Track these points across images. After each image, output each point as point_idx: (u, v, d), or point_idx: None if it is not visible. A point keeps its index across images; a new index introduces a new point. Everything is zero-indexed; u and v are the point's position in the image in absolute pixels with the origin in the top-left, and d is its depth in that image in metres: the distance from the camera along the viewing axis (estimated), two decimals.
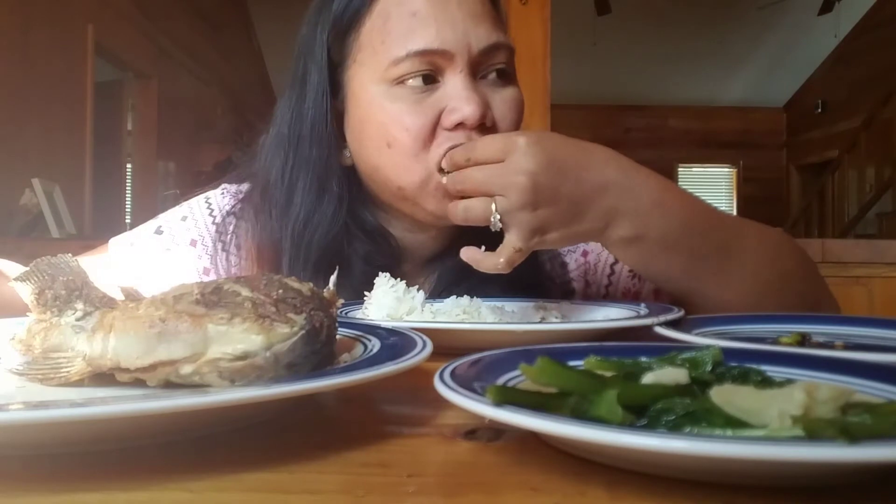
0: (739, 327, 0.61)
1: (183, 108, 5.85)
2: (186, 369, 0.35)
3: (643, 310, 0.65)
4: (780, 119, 9.59)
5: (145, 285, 0.80)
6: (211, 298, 0.37)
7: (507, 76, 0.75)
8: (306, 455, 0.31)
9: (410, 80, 0.71)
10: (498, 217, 0.62)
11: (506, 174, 0.61)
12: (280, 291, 0.39)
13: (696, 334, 0.51)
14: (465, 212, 0.65)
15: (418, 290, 0.66)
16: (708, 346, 0.36)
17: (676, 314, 0.59)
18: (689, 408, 0.29)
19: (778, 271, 0.72)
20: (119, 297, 0.43)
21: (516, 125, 0.75)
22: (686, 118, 9.45)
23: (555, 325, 0.63)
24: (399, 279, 0.66)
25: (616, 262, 0.86)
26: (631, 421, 0.29)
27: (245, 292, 0.38)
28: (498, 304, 0.71)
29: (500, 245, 0.63)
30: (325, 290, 0.42)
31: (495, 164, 0.62)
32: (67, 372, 0.38)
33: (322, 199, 0.77)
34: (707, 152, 9.52)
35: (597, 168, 0.63)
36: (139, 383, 0.36)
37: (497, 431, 0.34)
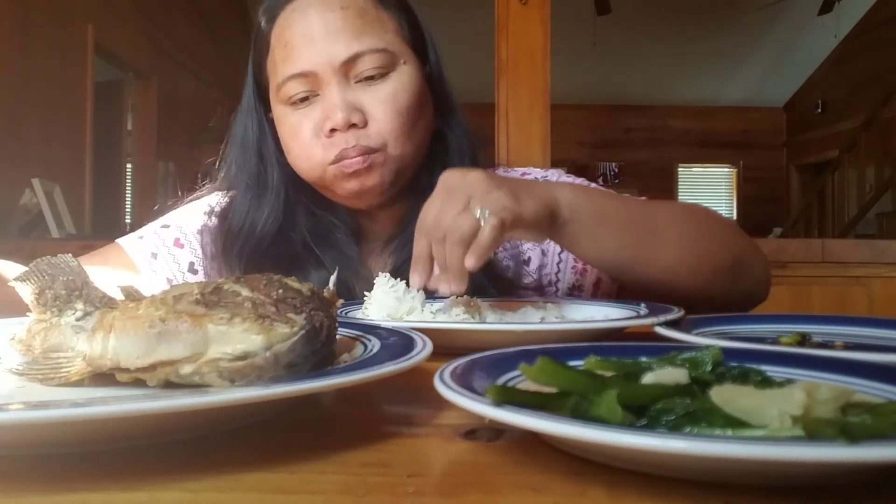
0: (739, 327, 0.61)
1: (183, 108, 5.85)
2: (186, 369, 0.35)
3: (643, 310, 0.65)
4: (780, 119, 9.58)
5: (158, 271, 0.91)
6: (211, 298, 0.37)
7: (380, 76, 0.83)
8: (306, 455, 0.31)
9: (295, 99, 0.83)
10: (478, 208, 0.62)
11: (457, 188, 0.65)
12: (280, 291, 0.39)
13: (696, 334, 0.51)
14: (458, 232, 0.62)
15: (418, 290, 0.66)
16: (708, 346, 0.36)
17: (676, 314, 0.59)
18: (689, 408, 0.29)
19: (705, 237, 0.77)
20: (119, 297, 0.43)
21: (394, 115, 0.82)
22: (686, 118, 9.43)
23: (555, 325, 0.63)
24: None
25: (563, 251, 0.91)
26: (631, 421, 0.29)
27: (245, 292, 0.38)
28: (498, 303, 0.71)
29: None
30: (325, 290, 0.42)
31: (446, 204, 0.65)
32: (67, 372, 0.38)
33: (259, 193, 0.89)
34: (707, 152, 9.51)
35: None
36: (139, 383, 0.36)
37: (497, 431, 0.34)
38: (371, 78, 0.82)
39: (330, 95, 0.81)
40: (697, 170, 9.64)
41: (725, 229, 0.81)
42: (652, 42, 7.81)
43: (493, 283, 0.85)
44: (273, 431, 0.35)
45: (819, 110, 8.68)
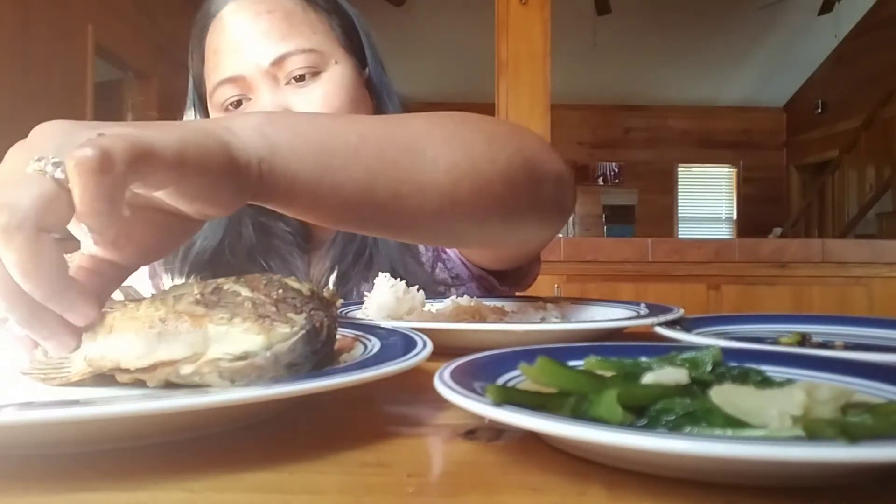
0: (739, 327, 0.61)
1: (183, 108, 5.85)
2: (186, 369, 0.35)
3: (643, 310, 0.65)
4: (780, 119, 9.57)
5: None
6: (211, 298, 0.37)
7: (311, 76, 0.83)
8: (306, 455, 0.31)
9: (228, 104, 0.84)
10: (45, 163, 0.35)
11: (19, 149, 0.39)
12: (280, 291, 0.39)
13: (696, 334, 0.51)
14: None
15: (419, 289, 0.66)
16: (708, 346, 0.36)
17: (676, 314, 0.59)
18: (689, 408, 0.29)
19: (480, 139, 0.56)
20: (119, 297, 0.43)
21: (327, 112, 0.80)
22: (686, 118, 9.43)
23: (555, 325, 0.63)
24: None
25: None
26: (631, 421, 0.29)
27: (245, 292, 0.38)
28: (498, 303, 0.71)
29: None
30: (324, 290, 0.42)
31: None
32: (68, 372, 0.38)
33: None
34: (707, 152, 9.51)
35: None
36: (139, 383, 0.36)
37: (497, 431, 0.34)
38: (302, 79, 0.82)
39: (260, 98, 0.82)
40: (697, 170, 9.63)
41: (497, 124, 0.60)
42: (652, 42, 7.81)
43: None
44: (273, 431, 0.35)
45: (819, 110, 8.67)
